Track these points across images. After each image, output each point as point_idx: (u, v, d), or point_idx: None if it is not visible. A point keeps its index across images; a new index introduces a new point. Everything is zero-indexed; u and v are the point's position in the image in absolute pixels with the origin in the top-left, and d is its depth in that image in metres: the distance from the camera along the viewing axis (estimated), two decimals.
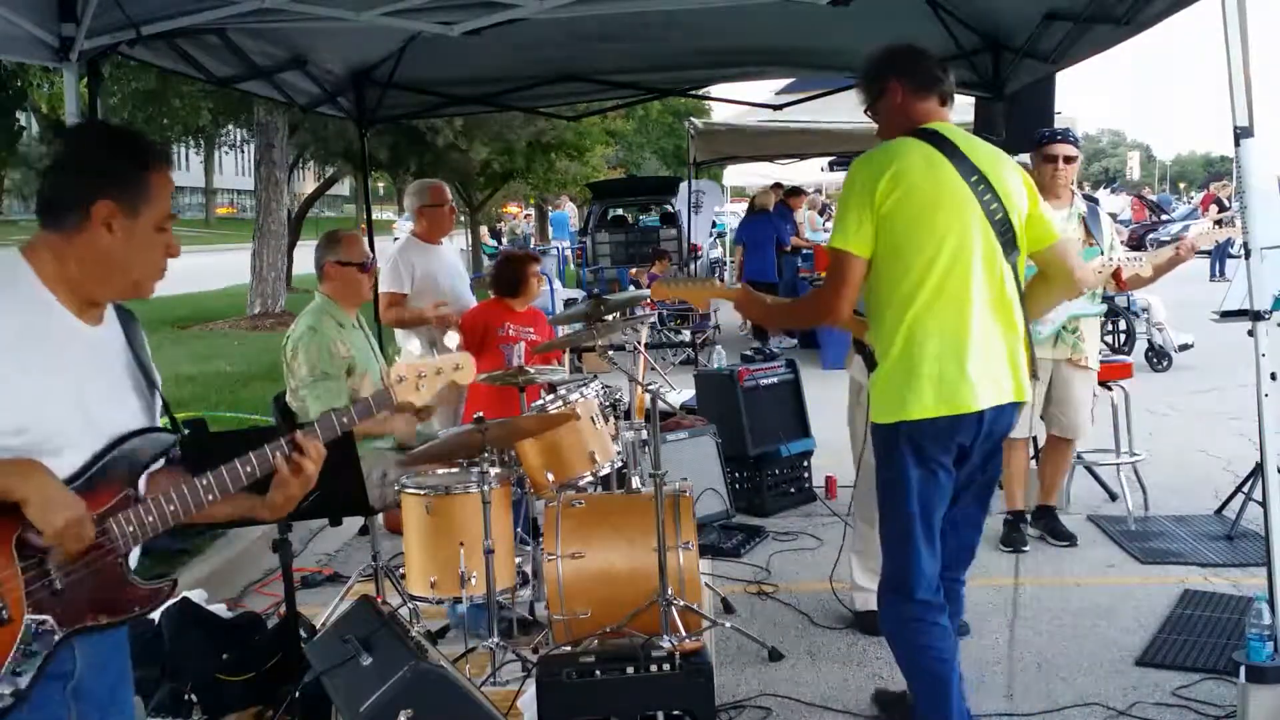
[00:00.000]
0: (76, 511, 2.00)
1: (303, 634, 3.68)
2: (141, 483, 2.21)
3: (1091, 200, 5.56)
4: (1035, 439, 5.86)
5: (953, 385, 3.06)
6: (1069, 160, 5.21)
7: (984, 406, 3.08)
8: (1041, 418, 5.49)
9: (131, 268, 2.15)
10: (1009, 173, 3.20)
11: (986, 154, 3.19)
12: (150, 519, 2.12)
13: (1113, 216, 7.12)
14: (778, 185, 14.63)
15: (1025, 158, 8.21)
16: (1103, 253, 5.20)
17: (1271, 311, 3.52)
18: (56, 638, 2.03)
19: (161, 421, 2.29)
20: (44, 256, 2.09)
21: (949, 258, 3.06)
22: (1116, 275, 5.04)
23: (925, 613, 3.17)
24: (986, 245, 3.11)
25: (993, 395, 3.10)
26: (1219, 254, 19.49)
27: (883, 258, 3.11)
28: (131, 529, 2.11)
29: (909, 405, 3.08)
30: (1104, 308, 5.43)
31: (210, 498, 2.17)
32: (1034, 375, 3.25)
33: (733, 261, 16.31)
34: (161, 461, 2.25)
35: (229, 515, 2.30)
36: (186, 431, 2.26)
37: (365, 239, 5.12)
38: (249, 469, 2.21)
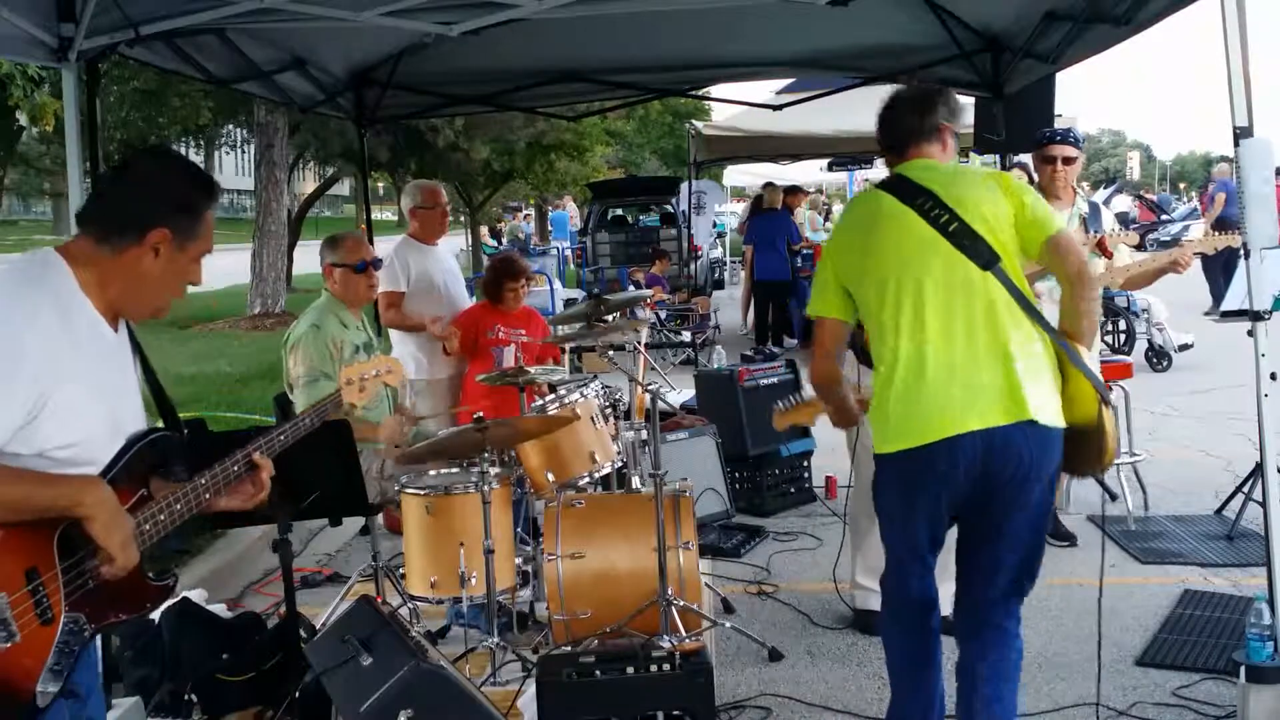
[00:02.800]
0: (130, 527, 2.09)
1: (303, 634, 3.68)
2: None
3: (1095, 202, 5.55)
4: None
5: (921, 414, 2.97)
6: (1068, 161, 5.19)
7: (955, 432, 2.92)
8: None
9: (160, 294, 2.23)
10: (968, 183, 3.11)
11: (945, 174, 3.14)
12: (163, 517, 2.20)
13: (1121, 220, 7.13)
14: (770, 185, 14.61)
15: (1025, 158, 8.22)
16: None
17: (1271, 311, 3.51)
18: (86, 634, 2.10)
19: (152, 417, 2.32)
20: (85, 266, 2.14)
21: (897, 287, 3.02)
22: (1102, 245, 5.03)
23: (904, 617, 3.19)
24: (943, 262, 3.00)
25: (971, 419, 2.93)
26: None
27: (859, 306, 3.17)
28: (148, 527, 2.17)
29: (885, 438, 3.06)
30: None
31: (208, 495, 2.27)
32: (1106, 402, 3.02)
33: (736, 261, 16.35)
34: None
35: (214, 509, 2.38)
36: (186, 432, 2.33)
37: (367, 241, 5.13)
38: (237, 467, 2.33)
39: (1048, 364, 3.00)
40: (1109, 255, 5.09)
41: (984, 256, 2.98)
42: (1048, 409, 2.96)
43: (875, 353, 3.11)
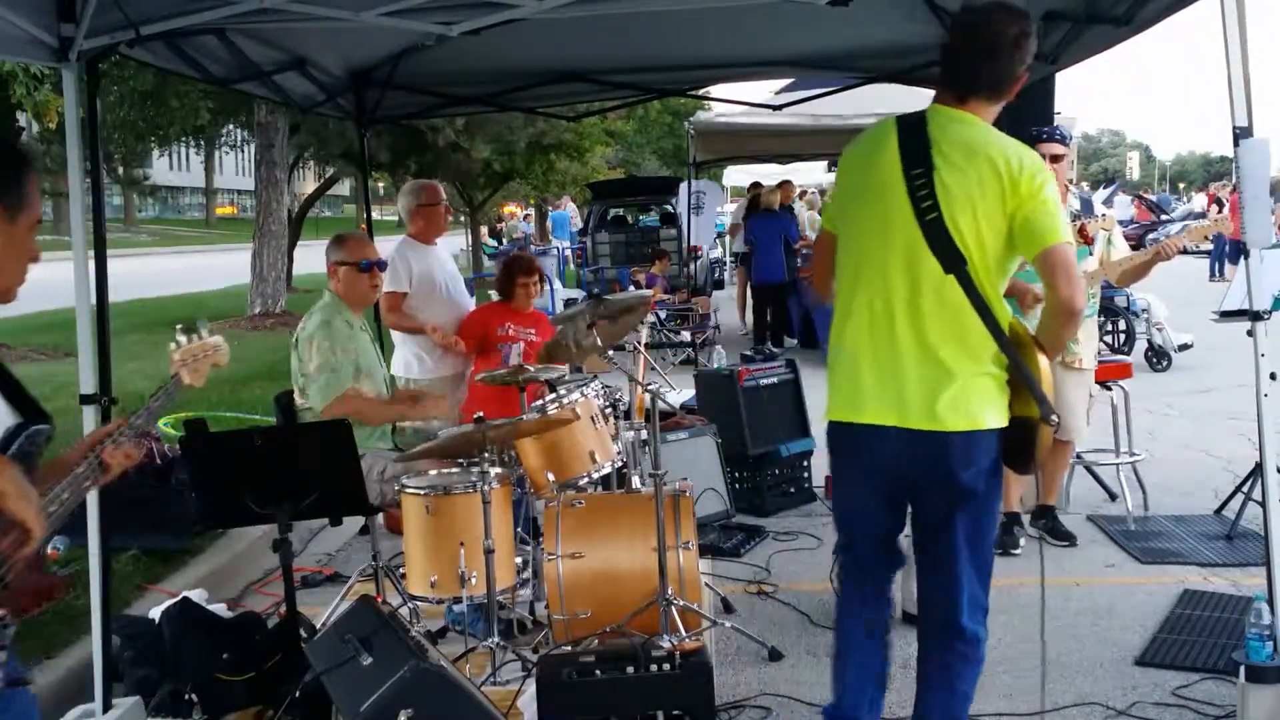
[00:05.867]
0: (38, 499, 2.03)
1: (303, 634, 3.68)
2: None
3: (1089, 199, 5.59)
4: None
5: (852, 390, 2.99)
6: (1055, 159, 5.24)
7: (873, 421, 2.94)
8: None
9: (5, 272, 2.15)
10: (975, 168, 2.84)
11: (959, 143, 2.87)
12: (53, 509, 2.14)
13: (1123, 224, 7.17)
14: (757, 184, 14.51)
15: None
16: (1093, 254, 5.22)
17: (1271, 311, 3.52)
18: (10, 631, 2.05)
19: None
20: None
21: (864, 255, 2.99)
22: (1082, 232, 5.08)
23: (850, 590, 3.22)
24: (907, 250, 2.89)
25: (888, 413, 2.93)
26: (1218, 254, 19.51)
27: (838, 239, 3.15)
28: (53, 509, 2.12)
29: (829, 405, 3.08)
30: (1095, 307, 5.44)
31: (88, 484, 2.23)
32: (1047, 422, 2.81)
33: (735, 261, 16.36)
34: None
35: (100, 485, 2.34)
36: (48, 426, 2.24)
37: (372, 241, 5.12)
38: (99, 462, 2.25)
39: (993, 378, 2.90)
40: (1089, 241, 5.14)
41: (949, 258, 2.84)
42: (976, 416, 2.88)
43: (836, 311, 3.08)
